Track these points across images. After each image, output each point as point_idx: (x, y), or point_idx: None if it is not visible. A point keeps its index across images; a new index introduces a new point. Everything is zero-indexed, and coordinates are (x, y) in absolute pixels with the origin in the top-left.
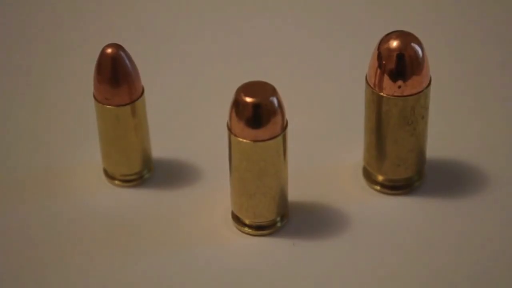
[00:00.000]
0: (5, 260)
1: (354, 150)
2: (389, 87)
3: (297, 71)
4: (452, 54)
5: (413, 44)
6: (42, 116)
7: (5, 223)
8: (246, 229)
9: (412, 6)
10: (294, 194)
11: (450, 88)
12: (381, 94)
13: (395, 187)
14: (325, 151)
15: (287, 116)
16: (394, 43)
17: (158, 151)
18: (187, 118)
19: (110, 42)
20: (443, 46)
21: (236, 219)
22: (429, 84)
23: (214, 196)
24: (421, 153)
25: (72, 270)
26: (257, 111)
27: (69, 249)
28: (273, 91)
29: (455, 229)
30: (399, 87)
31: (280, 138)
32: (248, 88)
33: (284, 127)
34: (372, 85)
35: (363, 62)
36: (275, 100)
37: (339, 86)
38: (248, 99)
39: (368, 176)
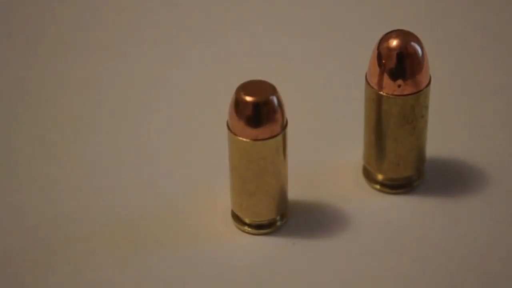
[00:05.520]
0: None
1: (354, 150)
2: (389, 86)
3: (297, 70)
4: (452, 53)
5: (413, 43)
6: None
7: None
8: (246, 228)
9: (412, 5)
10: (294, 193)
11: (450, 88)
12: (381, 93)
13: (395, 186)
14: (325, 150)
15: (287, 115)
16: (394, 42)
17: (155, 150)
18: (187, 117)
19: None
20: (443, 45)
21: (236, 218)
22: (429, 83)
23: (214, 195)
24: (421, 152)
25: (71, 269)
26: (257, 110)
27: (69, 248)
28: (273, 90)
29: (455, 228)
30: (399, 86)
31: (280, 137)
32: (248, 87)
33: (284, 126)
34: (372, 84)
35: (363, 61)
36: (275, 99)
37: (339, 85)
38: (248, 98)
39: (368, 175)
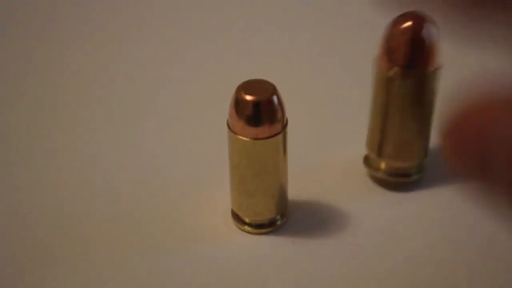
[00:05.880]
0: None
1: (354, 149)
2: (397, 69)
3: (297, 69)
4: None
5: (424, 26)
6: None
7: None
8: (246, 227)
9: (412, 6)
10: (294, 192)
11: (455, 83)
12: (389, 75)
13: (396, 175)
14: (325, 150)
15: (287, 114)
16: (405, 24)
17: (156, 149)
18: (187, 117)
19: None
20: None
21: (236, 217)
22: (439, 68)
23: (214, 195)
24: (425, 137)
25: (71, 269)
26: (257, 109)
27: (69, 248)
28: (273, 89)
29: (455, 227)
30: (406, 68)
31: (280, 136)
32: (248, 86)
33: (284, 125)
34: (380, 67)
35: (363, 61)
36: (275, 99)
37: (339, 85)
38: (248, 97)
39: (370, 165)
